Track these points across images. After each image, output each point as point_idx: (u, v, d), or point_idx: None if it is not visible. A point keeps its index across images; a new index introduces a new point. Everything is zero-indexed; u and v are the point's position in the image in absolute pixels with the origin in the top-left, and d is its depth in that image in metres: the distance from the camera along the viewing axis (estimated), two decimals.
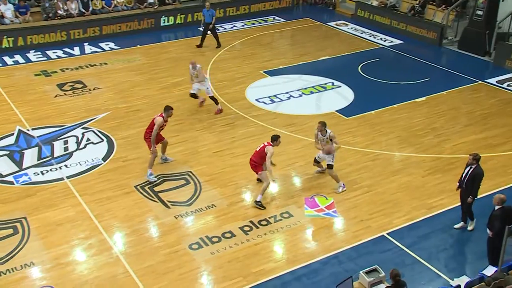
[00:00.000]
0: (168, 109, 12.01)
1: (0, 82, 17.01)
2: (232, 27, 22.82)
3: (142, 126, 14.18)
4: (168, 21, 22.52)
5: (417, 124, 14.60)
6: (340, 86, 16.92)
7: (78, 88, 16.71)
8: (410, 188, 11.82)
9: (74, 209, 11.01)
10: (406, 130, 14.27)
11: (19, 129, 14.04)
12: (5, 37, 19.66)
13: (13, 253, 9.75)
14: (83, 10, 21.37)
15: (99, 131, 14.03)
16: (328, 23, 23.24)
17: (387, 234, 10.36)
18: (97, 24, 21.19)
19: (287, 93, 16.48)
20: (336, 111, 15.33)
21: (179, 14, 22.81)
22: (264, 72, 18.08)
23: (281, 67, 18.58)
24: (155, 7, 22.45)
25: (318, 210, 11.06)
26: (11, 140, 13.59)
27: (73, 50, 20.00)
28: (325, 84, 17.10)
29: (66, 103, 15.74)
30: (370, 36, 21.74)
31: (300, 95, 16.36)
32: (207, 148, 13.31)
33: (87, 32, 20.93)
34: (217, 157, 12.94)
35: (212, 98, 15.13)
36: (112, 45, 20.57)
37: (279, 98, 16.13)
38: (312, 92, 16.58)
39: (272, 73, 18.06)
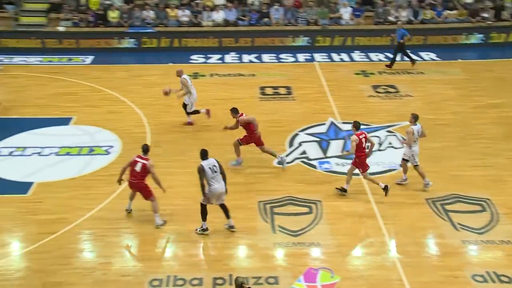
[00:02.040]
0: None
1: (325, 76, 18.75)
2: None
3: (445, 141, 13.86)
4: (499, 38, 21.24)
5: None
6: None
7: (391, 92, 17.22)
8: None
9: (364, 206, 11.46)
10: None
11: (331, 121, 15.23)
12: (336, 36, 21.46)
13: (305, 229, 10.71)
14: (412, 18, 21.74)
15: (402, 137, 14.19)
16: None
17: None
18: (423, 33, 21.30)
19: None
20: None
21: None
22: None
23: None
24: (488, 22, 21.33)
25: None
26: (323, 129, 14.87)
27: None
28: None
29: (377, 104, 16.41)
30: None
31: None
32: None
33: (412, 40, 21.22)
34: None
35: (194, 112, 14.61)
36: (433, 55, 20.50)
37: None
38: None
39: None
